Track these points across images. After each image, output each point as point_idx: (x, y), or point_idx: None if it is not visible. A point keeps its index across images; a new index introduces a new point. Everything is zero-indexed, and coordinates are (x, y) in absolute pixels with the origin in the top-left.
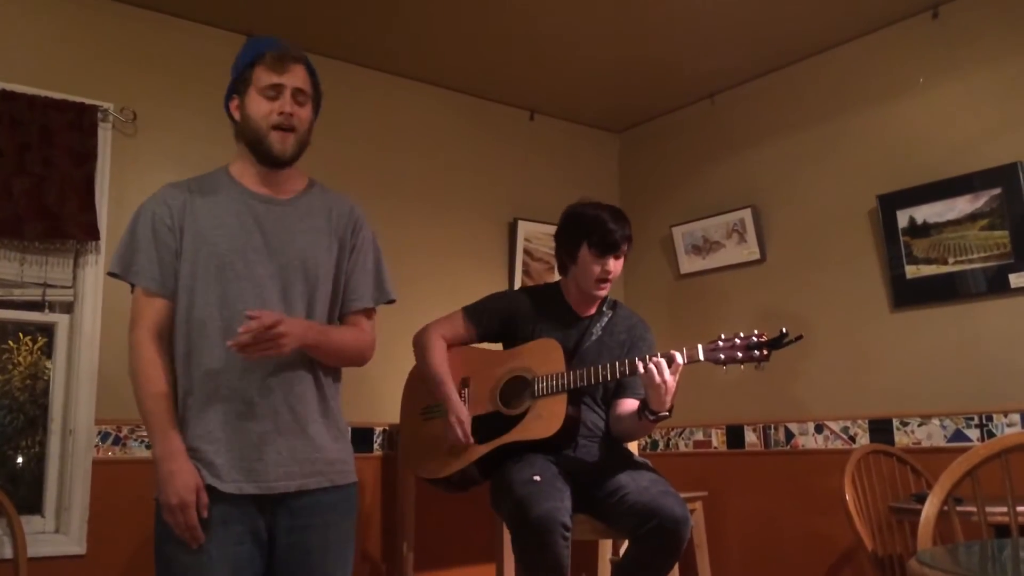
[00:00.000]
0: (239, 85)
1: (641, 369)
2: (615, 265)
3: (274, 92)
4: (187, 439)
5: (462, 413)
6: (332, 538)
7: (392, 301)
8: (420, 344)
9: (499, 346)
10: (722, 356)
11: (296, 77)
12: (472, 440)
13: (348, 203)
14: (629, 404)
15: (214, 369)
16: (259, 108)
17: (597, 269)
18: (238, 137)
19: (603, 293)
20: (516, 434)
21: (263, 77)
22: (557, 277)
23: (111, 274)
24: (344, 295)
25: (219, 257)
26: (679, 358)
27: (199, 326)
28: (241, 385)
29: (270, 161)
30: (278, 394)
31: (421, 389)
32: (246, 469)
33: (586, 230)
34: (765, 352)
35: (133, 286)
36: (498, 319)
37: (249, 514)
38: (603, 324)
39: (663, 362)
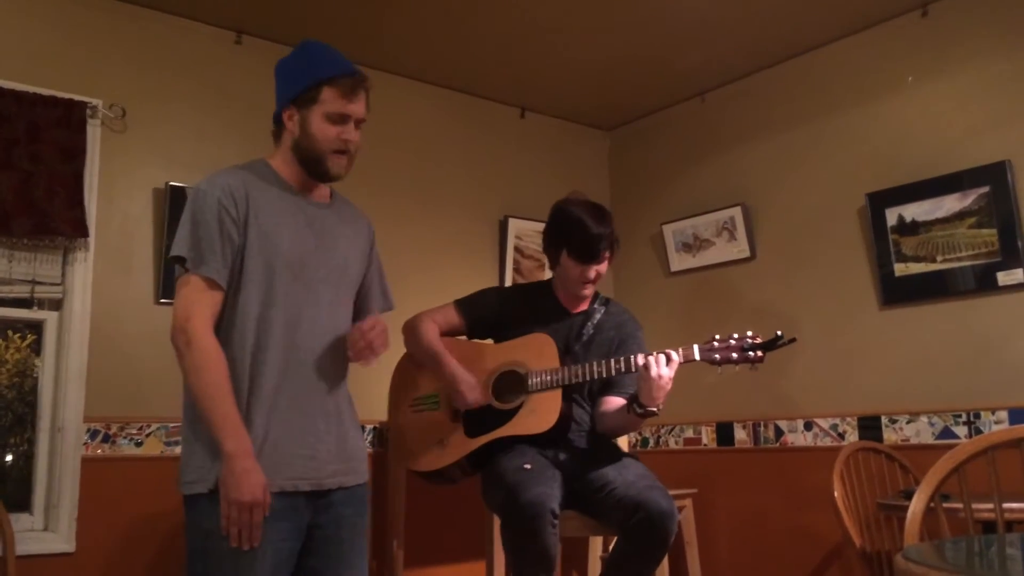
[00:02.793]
0: (302, 99)
1: (641, 361)
2: (597, 269)
3: (341, 119)
4: (250, 435)
5: (470, 378)
6: (358, 530)
7: (392, 309)
8: (412, 328)
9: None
10: (717, 356)
11: (361, 107)
12: (488, 399)
13: (364, 216)
14: (615, 401)
15: (277, 368)
16: (324, 131)
17: (578, 273)
18: (284, 145)
19: (588, 293)
20: (510, 428)
21: (334, 103)
22: (548, 275)
23: (175, 258)
24: (357, 302)
25: (283, 256)
26: (675, 356)
27: (267, 324)
28: (299, 384)
29: (324, 179)
30: (327, 393)
31: (409, 381)
32: (301, 467)
33: (567, 236)
34: (759, 354)
35: (186, 271)
36: (488, 314)
37: (297, 510)
38: (594, 322)
39: (662, 358)
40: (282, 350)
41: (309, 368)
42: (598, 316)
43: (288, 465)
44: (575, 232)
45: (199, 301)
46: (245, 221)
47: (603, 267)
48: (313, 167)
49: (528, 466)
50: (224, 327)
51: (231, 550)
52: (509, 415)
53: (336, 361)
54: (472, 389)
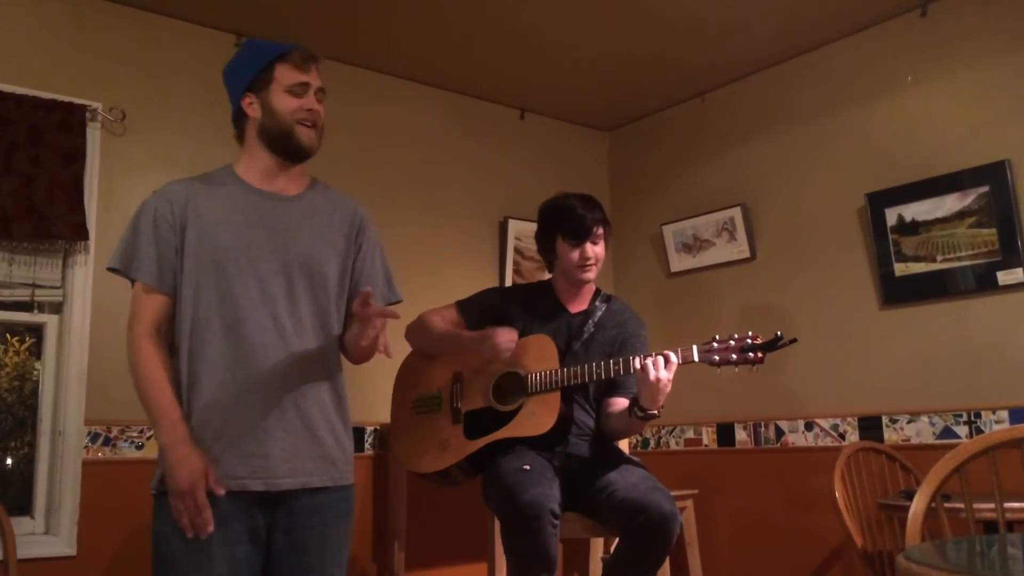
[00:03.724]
0: (257, 83)
1: (637, 365)
2: (594, 250)
3: (301, 89)
4: (191, 434)
5: (492, 331)
6: (330, 538)
7: (399, 301)
8: (418, 325)
9: None
10: (717, 357)
11: (316, 76)
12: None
13: (352, 203)
14: (620, 403)
15: (218, 364)
16: (286, 104)
17: (576, 256)
18: (249, 136)
19: (590, 276)
20: (509, 430)
21: (289, 75)
22: (548, 276)
23: (111, 269)
24: (353, 295)
25: (221, 252)
26: (674, 358)
27: (202, 322)
28: (246, 382)
29: (297, 154)
30: (284, 391)
31: (411, 382)
32: (250, 466)
33: (558, 222)
34: (759, 355)
35: (134, 282)
36: (490, 315)
37: (249, 512)
38: (595, 320)
39: (660, 360)
40: (225, 345)
41: (259, 363)
42: (599, 314)
43: (235, 463)
44: (565, 216)
45: (139, 307)
46: (183, 225)
47: (600, 249)
48: (284, 143)
49: (527, 467)
50: (174, 328)
51: (182, 554)
52: (509, 417)
53: (299, 355)
54: (502, 334)
